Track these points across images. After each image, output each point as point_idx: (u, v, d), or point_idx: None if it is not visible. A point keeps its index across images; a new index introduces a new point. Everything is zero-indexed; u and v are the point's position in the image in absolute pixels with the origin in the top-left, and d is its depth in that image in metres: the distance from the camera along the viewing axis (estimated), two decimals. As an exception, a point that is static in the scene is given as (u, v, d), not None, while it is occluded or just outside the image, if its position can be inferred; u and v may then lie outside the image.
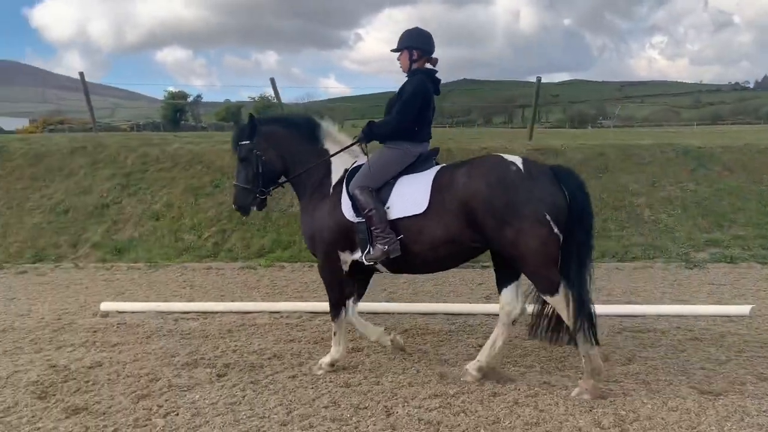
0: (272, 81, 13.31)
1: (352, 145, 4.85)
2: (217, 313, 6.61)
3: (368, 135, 4.68)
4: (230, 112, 59.63)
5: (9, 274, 9.03)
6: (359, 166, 4.69)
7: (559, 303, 4.20)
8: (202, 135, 18.35)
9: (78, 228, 10.29)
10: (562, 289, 4.17)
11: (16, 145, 12.61)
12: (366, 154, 4.72)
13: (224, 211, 10.21)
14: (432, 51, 4.81)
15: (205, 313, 6.58)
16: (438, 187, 4.35)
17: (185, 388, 4.48)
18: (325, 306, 6.47)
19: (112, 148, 11.91)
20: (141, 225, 10.26)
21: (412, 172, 4.59)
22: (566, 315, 4.19)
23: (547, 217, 4.11)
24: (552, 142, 13.05)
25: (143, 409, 4.12)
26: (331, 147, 4.91)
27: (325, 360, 4.80)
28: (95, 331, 6.03)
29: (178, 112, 55.97)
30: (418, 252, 4.41)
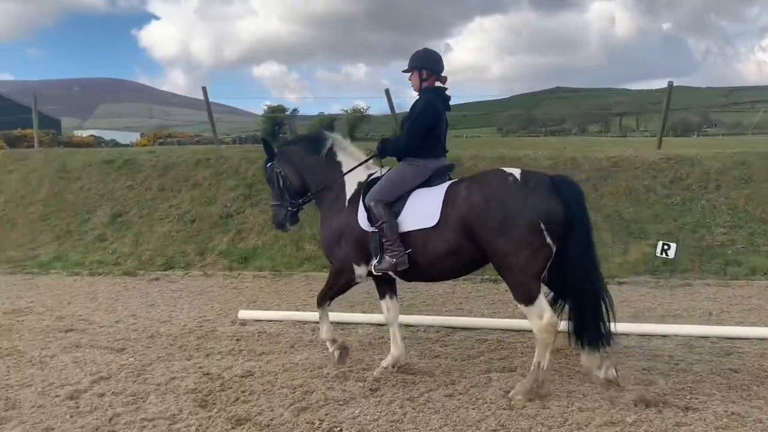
0: (387, 93, 13.28)
1: (366, 161, 5.09)
2: (352, 324, 6.55)
3: (381, 152, 4.91)
4: (324, 125, 61.10)
5: (143, 281, 9.41)
6: (376, 179, 4.88)
7: (533, 313, 4.27)
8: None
9: (204, 237, 10.63)
10: (539, 301, 4.25)
11: (144, 157, 13.26)
12: (381, 168, 4.96)
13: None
14: (441, 71, 4.95)
15: (341, 324, 6.53)
16: (447, 201, 4.49)
17: (341, 402, 4.40)
18: (468, 321, 6.40)
19: (234, 160, 12.26)
20: (264, 234, 10.46)
21: (426, 187, 4.74)
22: (536, 326, 4.28)
23: (541, 226, 4.17)
24: (680, 150, 12.25)
25: (306, 423, 4.05)
26: (343, 158, 5.14)
27: (383, 363, 5.05)
28: (238, 339, 6.10)
29: (276, 125, 57.87)
30: (424, 264, 4.59)
